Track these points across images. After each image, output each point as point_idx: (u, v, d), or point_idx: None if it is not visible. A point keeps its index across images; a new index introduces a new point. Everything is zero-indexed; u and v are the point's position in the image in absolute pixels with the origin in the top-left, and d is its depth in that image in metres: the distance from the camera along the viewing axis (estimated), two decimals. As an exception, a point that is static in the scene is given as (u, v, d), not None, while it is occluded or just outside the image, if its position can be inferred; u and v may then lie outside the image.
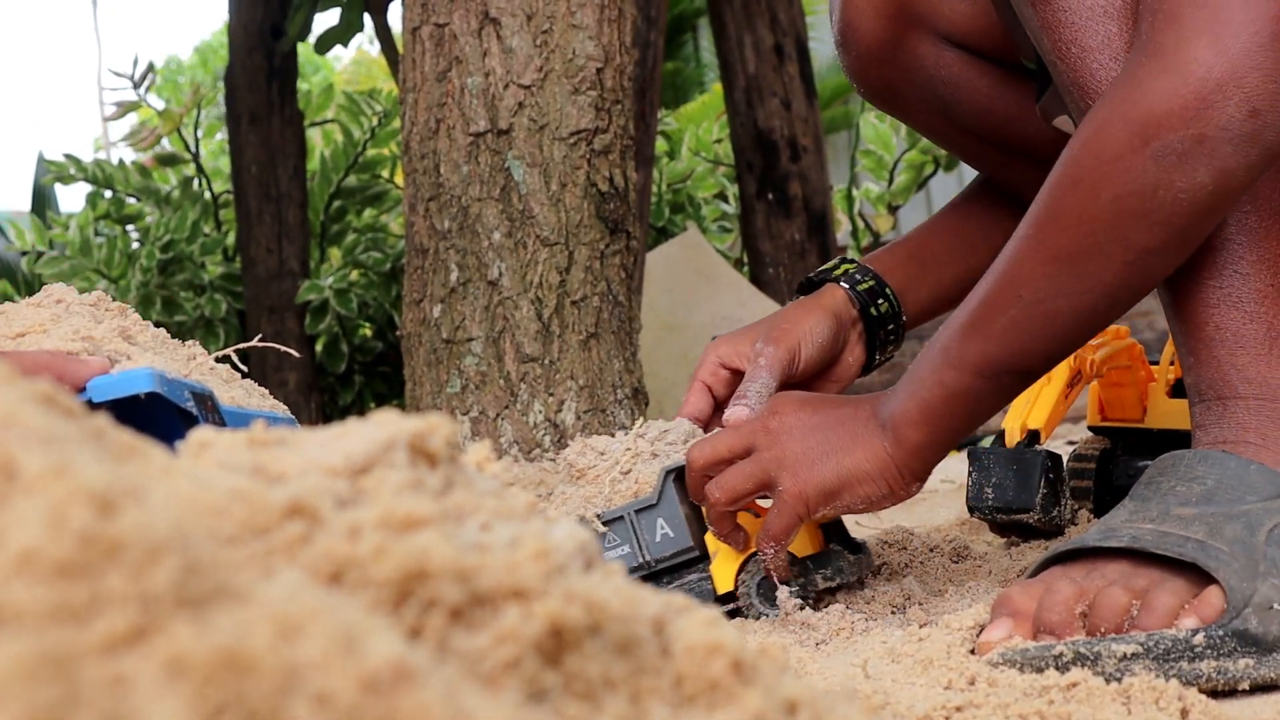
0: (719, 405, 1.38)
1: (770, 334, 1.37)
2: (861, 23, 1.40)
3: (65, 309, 1.19)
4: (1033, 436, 1.55)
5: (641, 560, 1.28)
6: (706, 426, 1.37)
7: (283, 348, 1.29)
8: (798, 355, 1.36)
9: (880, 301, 1.44)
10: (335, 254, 6.09)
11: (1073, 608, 0.96)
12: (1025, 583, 1.01)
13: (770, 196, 5.12)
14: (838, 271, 1.44)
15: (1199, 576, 0.95)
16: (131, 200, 6.13)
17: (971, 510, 1.52)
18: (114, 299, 1.24)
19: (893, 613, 1.23)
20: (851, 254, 6.33)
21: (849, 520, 2.03)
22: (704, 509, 1.26)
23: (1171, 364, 1.61)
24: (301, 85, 6.45)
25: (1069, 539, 1.05)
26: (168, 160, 6.11)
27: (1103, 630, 0.94)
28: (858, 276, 1.43)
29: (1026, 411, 1.57)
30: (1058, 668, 0.90)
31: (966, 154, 1.50)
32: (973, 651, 0.97)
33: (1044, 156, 1.42)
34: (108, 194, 6.09)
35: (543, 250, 2.29)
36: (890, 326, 1.45)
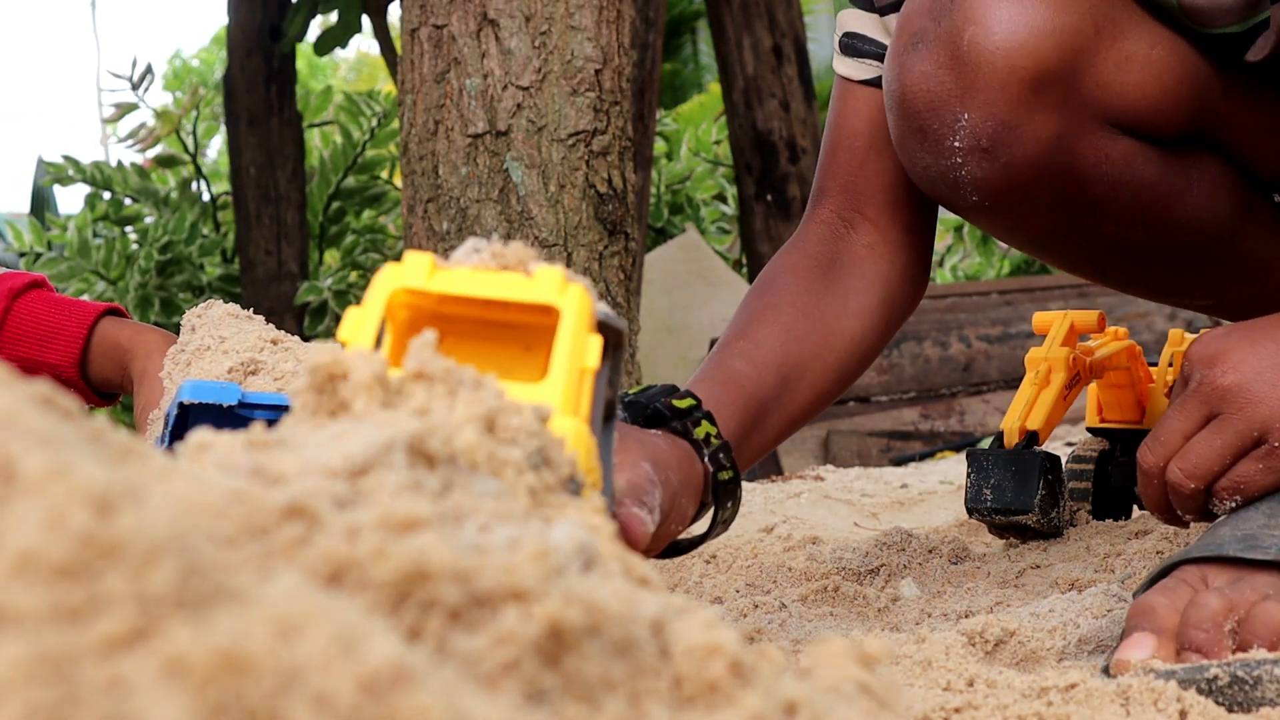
0: None
1: (662, 484, 1.01)
2: (1026, 121, 1.11)
3: (248, 319, 1.22)
4: (1031, 438, 1.55)
5: None
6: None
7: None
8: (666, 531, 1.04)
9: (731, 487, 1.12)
10: (334, 255, 6.09)
11: (1221, 624, 0.90)
12: (1165, 589, 0.94)
13: (769, 198, 5.12)
14: (699, 435, 1.09)
15: None
16: (130, 201, 6.13)
17: (970, 512, 1.52)
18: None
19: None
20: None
21: (848, 522, 2.04)
22: (1153, 484, 1.04)
23: (1170, 365, 1.62)
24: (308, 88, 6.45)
25: (1201, 543, 0.98)
26: (166, 162, 6.11)
27: (1256, 648, 0.88)
28: (721, 459, 1.09)
29: (1025, 413, 1.57)
30: (1210, 692, 0.84)
31: (1082, 263, 1.30)
32: (1106, 670, 0.91)
33: (1201, 243, 1.25)
34: (106, 195, 6.09)
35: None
36: (728, 504, 1.12)
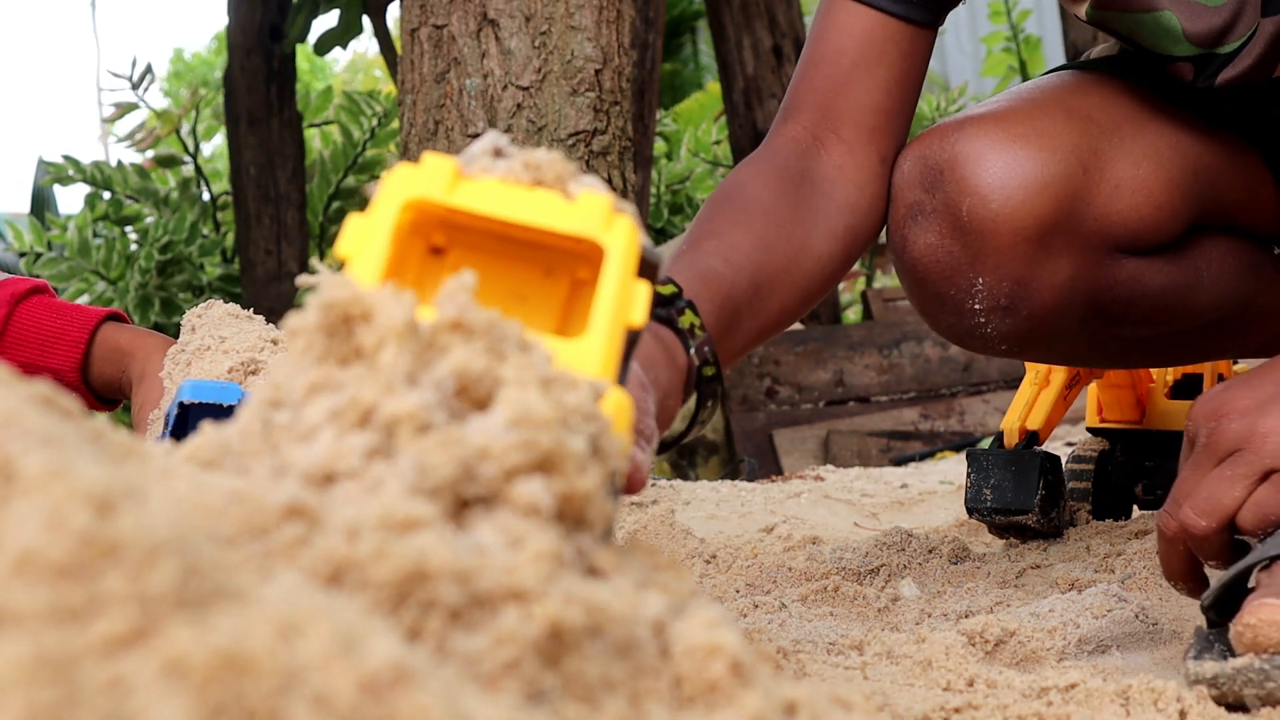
0: None
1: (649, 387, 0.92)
2: (1039, 273, 1.15)
3: (248, 319, 1.22)
4: (1031, 438, 1.55)
5: None
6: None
7: None
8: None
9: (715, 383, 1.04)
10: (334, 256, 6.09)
11: None
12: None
13: (769, 198, 5.11)
14: (684, 324, 1.01)
15: None
16: (130, 201, 6.13)
17: (970, 512, 1.52)
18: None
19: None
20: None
21: (848, 522, 2.03)
22: (1175, 549, 1.00)
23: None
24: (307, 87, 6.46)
25: (1274, 541, 0.96)
26: (166, 161, 6.11)
27: None
28: (707, 352, 1.01)
29: (1025, 413, 1.57)
30: None
31: (1105, 362, 1.37)
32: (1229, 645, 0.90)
33: (1217, 319, 1.28)
34: (106, 195, 6.09)
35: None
36: (709, 404, 1.05)
